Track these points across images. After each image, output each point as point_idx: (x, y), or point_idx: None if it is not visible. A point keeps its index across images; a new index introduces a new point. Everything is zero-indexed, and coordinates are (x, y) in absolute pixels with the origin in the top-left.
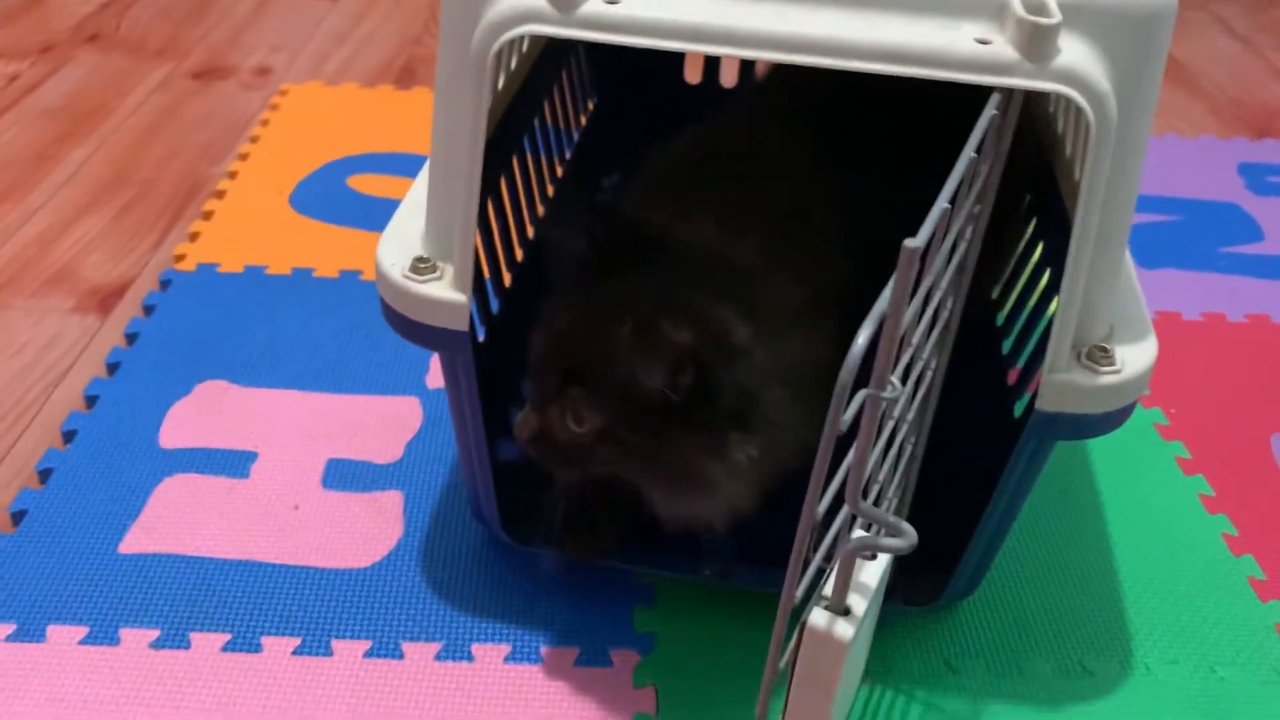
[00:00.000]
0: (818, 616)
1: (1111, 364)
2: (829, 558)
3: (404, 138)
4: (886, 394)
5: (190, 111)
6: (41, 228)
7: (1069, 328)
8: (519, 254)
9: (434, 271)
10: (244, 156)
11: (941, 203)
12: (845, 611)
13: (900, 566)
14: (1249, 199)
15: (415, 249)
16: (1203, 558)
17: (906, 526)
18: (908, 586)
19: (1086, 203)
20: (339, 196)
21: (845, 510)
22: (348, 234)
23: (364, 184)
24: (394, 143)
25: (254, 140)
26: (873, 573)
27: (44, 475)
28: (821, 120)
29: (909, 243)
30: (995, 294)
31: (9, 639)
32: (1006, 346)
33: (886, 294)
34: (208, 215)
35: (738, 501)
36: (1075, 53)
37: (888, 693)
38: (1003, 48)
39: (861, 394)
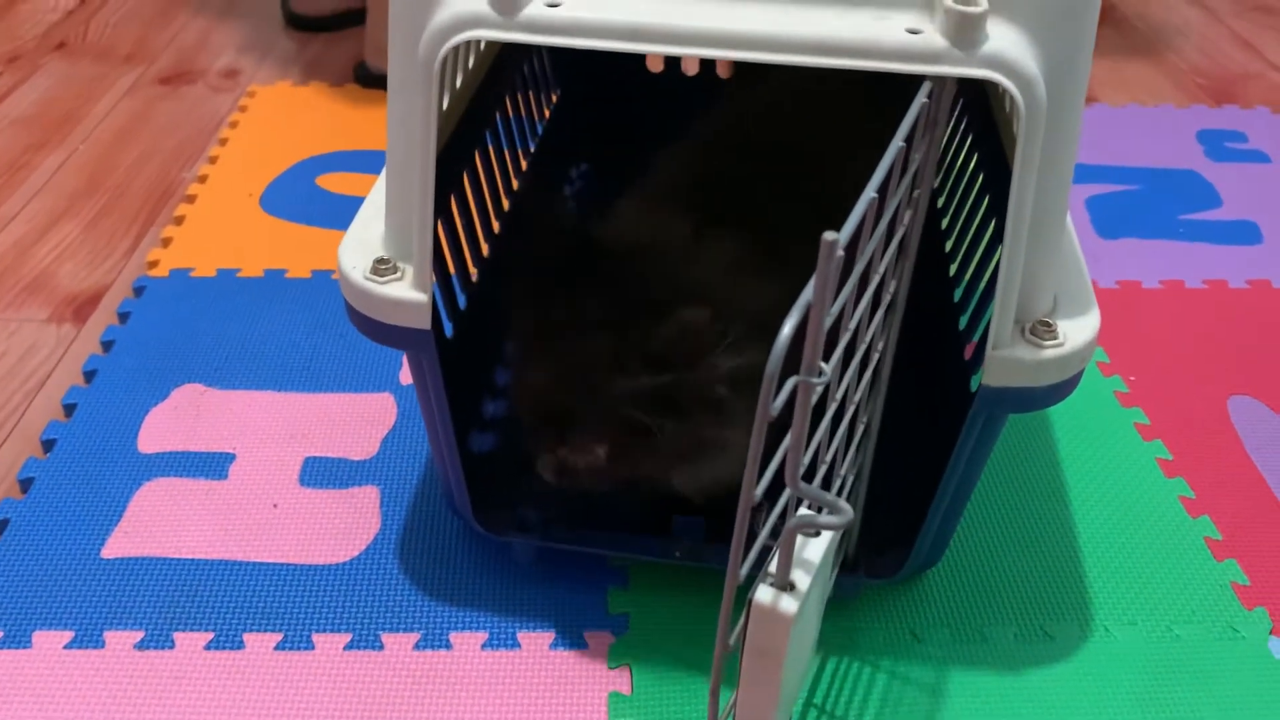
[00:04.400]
0: (763, 593)
1: (1054, 338)
2: (775, 535)
3: (372, 136)
4: (816, 380)
5: (160, 116)
6: (15, 237)
7: (1010, 304)
8: (484, 249)
9: (395, 273)
10: (214, 159)
11: (869, 192)
12: (790, 587)
13: (863, 541)
14: (1208, 166)
15: (376, 250)
16: (1160, 521)
17: (843, 504)
18: (870, 560)
19: (1020, 182)
20: (309, 196)
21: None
22: (319, 234)
23: (333, 183)
24: (362, 140)
25: (223, 143)
26: (816, 549)
27: (25, 485)
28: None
29: (827, 236)
30: (953, 270)
31: None
32: (963, 322)
33: (810, 285)
34: (179, 220)
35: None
36: (1004, 39)
37: (854, 664)
38: (932, 37)
39: (791, 380)
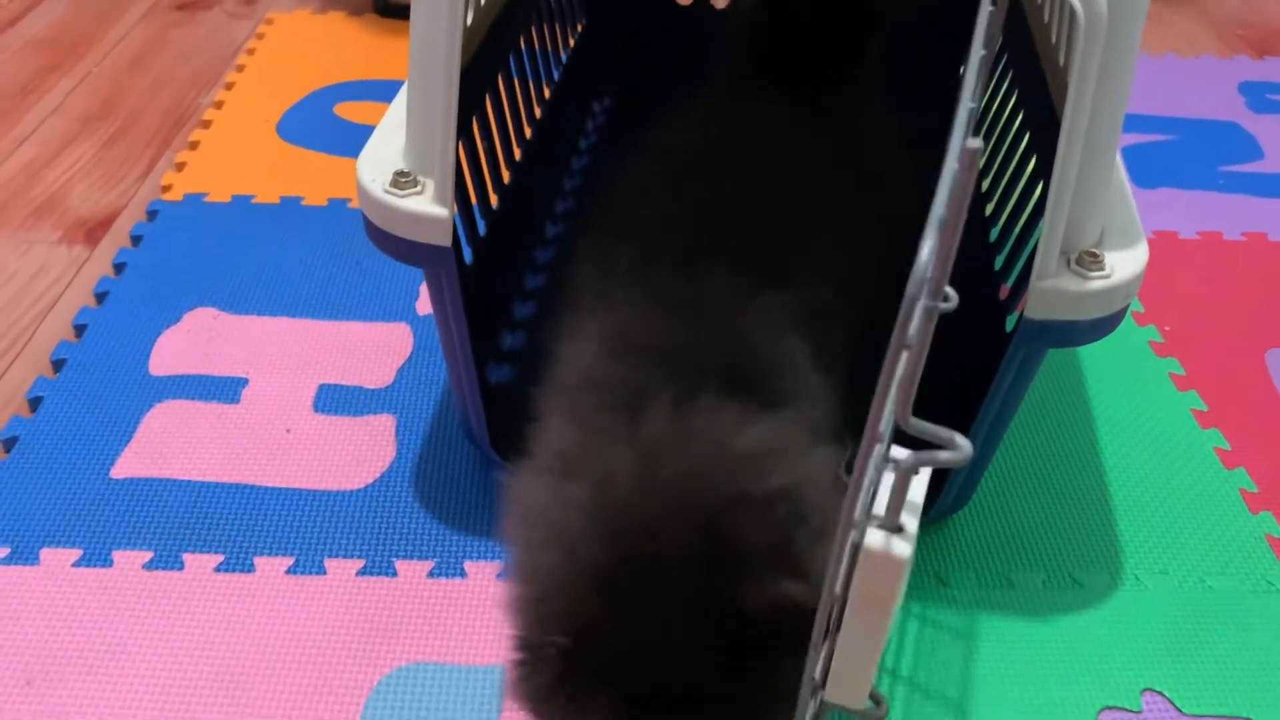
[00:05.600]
0: (874, 537)
1: (1101, 269)
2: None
3: (391, 65)
4: (944, 304)
5: (176, 42)
6: (27, 159)
7: (1057, 233)
8: (505, 175)
9: (415, 186)
10: (230, 86)
11: (967, 102)
12: (899, 529)
13: None
14: (1249, 117)
15: (396, 164)
16: (1194, 472)
17: (961, 439)
18: None
19: (1075, 103)
20: (326, 124)
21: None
22: (336, 162)
23: (351, 111)
24: (381, 70)
25: (240, 70)
26: (918, 489)
27: (34, 403)
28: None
29: (971, 142)
30: (989, 210)
31: (3, 562)
32: (999, 263)
33: (943, 198)
34: (194, 145)
35: None
36: None
37: None
38: None
39: (920, 304)
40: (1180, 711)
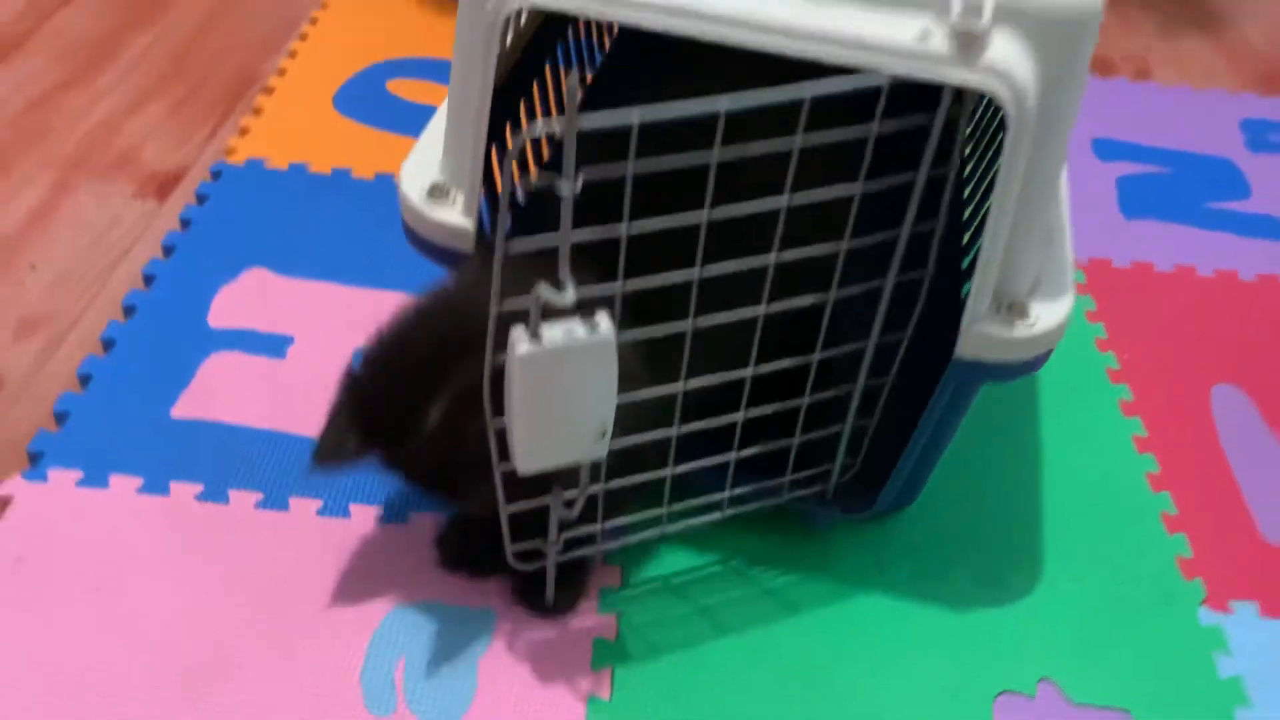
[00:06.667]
0: (516, 335)
1: (1026, 318)
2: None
3: (442, 45)
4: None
5: (245, 3)
6: (106, 113)
7: (988, 285)
8: (534, 173)
9: (446, 198)
10: (293, 54)
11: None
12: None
13: (843, 479)
14: (1244, 155)
15: (433, 174)
16: (1124, 491)
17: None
18: (846, 497)
19: (1004, 181)
20: (378, 100)
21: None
22: (385, 137)
23: (402, 89)
24: (432, 48)
25: (303, 38)
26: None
27: (107, 344)
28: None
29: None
30: (966, 239)
31: (78, 484)
32: (965, 289)
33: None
34: (257, 111)
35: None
36: (1002, 51)
37: (823, 583)
38: (940, 43)
39: None
40: (1070, 701)
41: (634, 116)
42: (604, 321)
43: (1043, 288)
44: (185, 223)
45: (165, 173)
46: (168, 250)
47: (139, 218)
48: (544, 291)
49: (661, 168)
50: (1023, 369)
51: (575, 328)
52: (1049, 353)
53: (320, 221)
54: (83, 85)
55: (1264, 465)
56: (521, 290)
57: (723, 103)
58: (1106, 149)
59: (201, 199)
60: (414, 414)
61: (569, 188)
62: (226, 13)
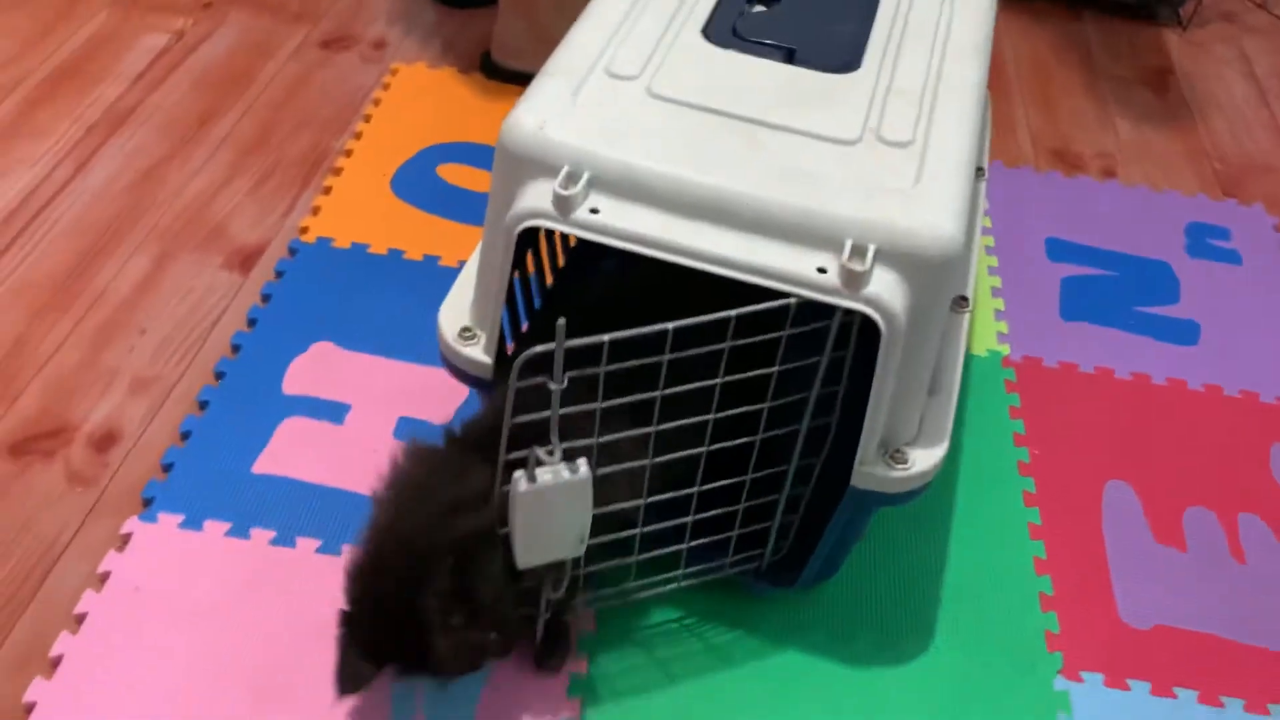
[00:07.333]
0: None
1: (904, 463)
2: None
3: (489, 130)
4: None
5: (318, 81)
6: (200, 187)
7: (874, 437)
8: (549, 278)
9: (473, 339)
10: (358, 135)
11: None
12: (534, 479)
13: (775, 559)
14: (1182, 260)
15: (463, 319)
16: (1012, 573)
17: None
18: (775, 573)
19: (879, 377)
20: (429, 184)
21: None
22: (434, 221)
23: (451, 173)
24: (479, 134)
25: (367, 120)
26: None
27: (202, 405)
28: None
29: None
30: None
31: (180, 526)
32: None
33: None
34: (327, 190)
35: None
36: (880, 284)
37: (749, 639)
38: (832, 278)
39: None
40: None
41: (605, 339)
42: (582, 466)
43: (923, 436)
44: (265, 297)
45: (248, 247)
46: (251, 322)
47: (227, 289)
48: (538, 451)
49: (626, 367)
50: (903, 498)
51: (561, 470)
52: (925, 486)
53: (376, 299)
54: (180, 161)
55: (1135, 555)
56: (536, 406)
57: (670, 326)
58: (1058, 250)
59: (279, 275)
60: (408, 629)
61: (558, 384)
62: (301, 90)
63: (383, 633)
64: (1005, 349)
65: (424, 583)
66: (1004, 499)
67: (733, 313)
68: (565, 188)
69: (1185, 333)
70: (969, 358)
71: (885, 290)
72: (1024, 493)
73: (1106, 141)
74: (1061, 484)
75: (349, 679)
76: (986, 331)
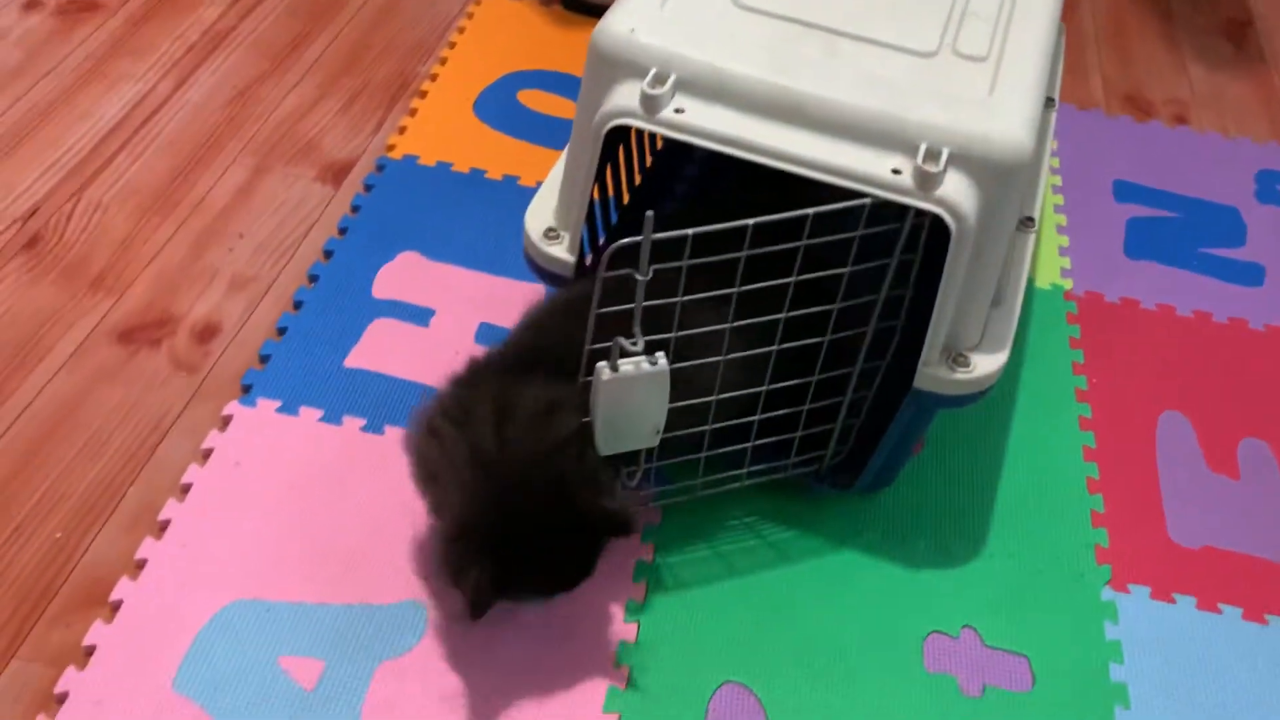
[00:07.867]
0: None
1: (966, 367)
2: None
3: (569, 59)
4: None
5: (405, 8)
6: (293, 106)
7: (938, 340)
8: (625, 197)
9: (557, 238)
10: (443, 61)
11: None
12: (617, 369)
13: (835, 464)
14: (1250, 205)
15: (548, 219)
16: (1064, 490)
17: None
18: (834, 476)
19: (947, 277)
20: (510, 109)
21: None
22: (514, 144)
23: (531, 99)
24: (559, 62)
25: (452, 46)
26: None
27: (297, 304)
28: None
29: None
30: None
31: (277, 410)
32: None
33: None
34: (413, 112)
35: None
36: (952, 186)
37: (810, 539)
38: (906, 179)
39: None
40: (984, 643)
41: (689, 232)
42: (661, 359)
43: (986, 343)
44: (355, 208)
45: (339, 163)
46: (342, 230)
47: (319, 200)
48: (622, 341)
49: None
50: (964, 401)
51: (642, 362)
52: (987, 390)
53: (459, 215)
54: (274, 80)
55: (1186, 481)
56: (621, 299)
57: (750, 222)
58: (1125, 191)
59: (368, 188)
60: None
61: (643, 275)
62: (390, 17)
63: (523, 573)
64: (1068, 283)
65: (557, 465)
66: (1060, 422)
67: (809, 211)
68: (653, 88)
69: (1250, 275)
70: (1032, 288)
71: (957, 192)
72: (1080, 417)
73: (1180, 89)
74: (1117, 411)
75: (481, 609)
76: (1050, 266)
